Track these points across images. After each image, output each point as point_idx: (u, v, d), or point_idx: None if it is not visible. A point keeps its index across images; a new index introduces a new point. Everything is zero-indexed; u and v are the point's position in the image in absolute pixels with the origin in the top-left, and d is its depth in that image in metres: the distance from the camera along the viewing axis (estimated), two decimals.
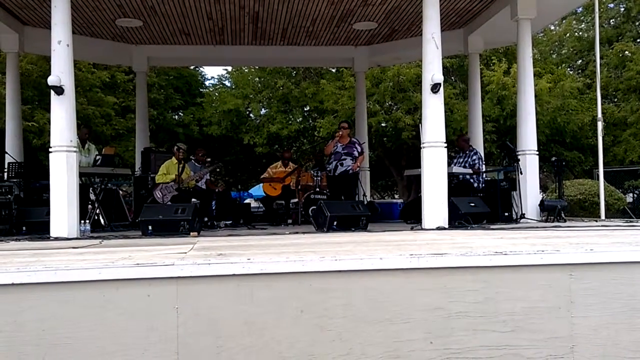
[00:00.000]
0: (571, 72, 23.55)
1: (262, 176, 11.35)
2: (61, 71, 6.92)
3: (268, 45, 12.43)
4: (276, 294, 3.34)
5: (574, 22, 23.68)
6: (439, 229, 7.14)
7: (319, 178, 10.97)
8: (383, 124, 18.47)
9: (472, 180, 9.26)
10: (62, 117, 6.93)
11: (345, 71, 17.94)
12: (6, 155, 9.50)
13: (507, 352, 3.43)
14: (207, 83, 24.22)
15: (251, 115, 22.09)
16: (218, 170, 10.72)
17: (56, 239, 6.61)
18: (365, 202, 10.35)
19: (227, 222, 9.89)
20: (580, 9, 21.93)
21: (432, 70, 7.53)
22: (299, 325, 3.32)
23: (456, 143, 10.06)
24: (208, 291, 3.30)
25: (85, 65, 16.03)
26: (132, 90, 16.91)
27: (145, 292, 3.24)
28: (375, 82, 17.78)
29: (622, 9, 22.74)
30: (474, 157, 9.47)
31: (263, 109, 21.76)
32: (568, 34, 23.64)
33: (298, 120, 21.28)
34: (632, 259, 3.65)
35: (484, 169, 9.61)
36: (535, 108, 9.42)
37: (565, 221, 8.50)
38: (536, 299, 3.51)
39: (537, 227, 7.31)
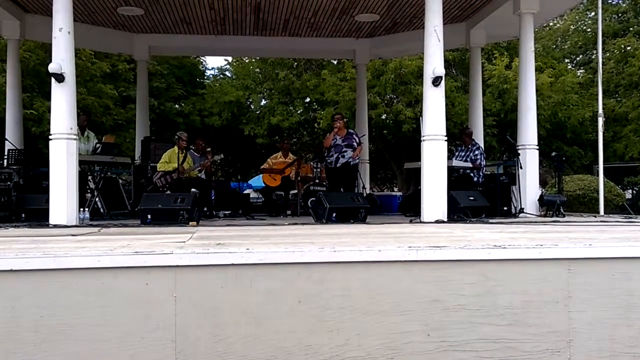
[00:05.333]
0: (572, 68, 23.51)
1: (261, 167, 11.34)
2: (62, 59, 6.91)
3: (269, 36, 12.40)
4: (274, 284, 3.34)
5: (577, 16, 23.62)
6: (437, 222, 7.14)
7: (319, 169, 10.97)
8: (383, 117, 18.45)
9: (471, 174, 9.27)
10: (62, 105, 6.92)
11: (347, 62, 17.91)
12: (6, 142, 9.49)
13: (504, 345, 3.44)
14: (207, 73, 24.19)
15: (252, 106, 22.06)
16: (219, 161, 10.70)
17: (55, 226, 6.61)
18: (365, 195, 10.36)
19: (226, 212, 9.89)
20: (585, 2, 21.86)
21: (434, 63, 7.52)
22: (297, 316, 3.33)
23: (459, 137, 10.06)
24: (206, 280, 3.30)
25: (87, 54, 15.97)
26: (133, 79, 16.87)
27: (143, 280, 3.24)
28: (376, 74, 17.75)
29: (628, 2, 22.64)
30: (476, 152, 9.47)
31: (264, 100, 21.72)
32: (572, 28, 23.58)
33: (299, 112, 21.24)
34: (630, 254, 3.65)
35: (484, 164, 9.62)
36: (537, 103, 9.41)
37: (564, 216, 8.51)
38: (534, 293, 3.52)
39: (536, 222, 7.31)
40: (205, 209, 9.12)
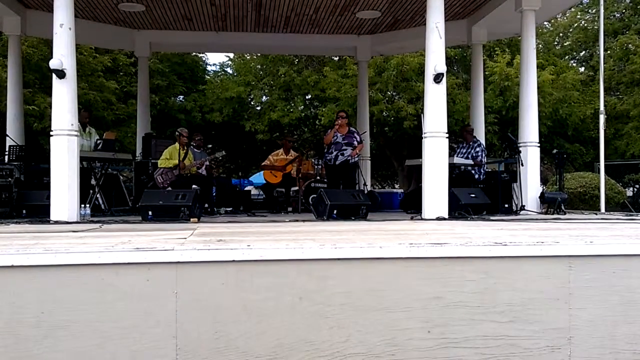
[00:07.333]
0: (574, 64, 23.47)
1: (263, 163, 11.33)
2: (63, 54, 6.89)
3: (271, 33, 12.38)
4: (275, 280, 3.34)
5: (579, 13, 23.57)
6: (438, 219, 7.14)
7: (320, 166, 10.95)
8: (385, 113, 18.43)
9: (473, 172, 9.25)
10: (63, 101, 6.92)
11: (349, 59, 17.88)
12: (7, 138, 9.48)
13: (504, 342, 3.44)
14: (209, 69, 24.18)
15: (252, 102, 22.04)
16: (220, 158, 10.69)
17: (56, 222, 6.62)
18: (366, 192, 10.35)
19: (227, 209, 9.89)
20: (586, 0, 21.82)
21: (435, 60, 7.50)
22: (298, 312, 3.33)
23: (459, 134, 10.04)
24: (207, 276, 3.30)
25: (87, 49, 15.94)
26: (134, 74, 16.85)
27: (144, 277, 3.25)
28: (378, 70, 17.72)
29: (628, 0, 22.61)
30: (477, 149, 9.46)
31: (265, 97, 21.70)
32: (573, 25, 23.54)
33: (299, 108, 21.22)
34: (631, 251, 3.65)
35: (485, 161, 9.60)
36: (538, 100, 9.40)
37: (565, 213, 8.50)
38: (535, 290, 3.52)
39: (537, 219, 7.31)
40: (206, 205, 9.11)
